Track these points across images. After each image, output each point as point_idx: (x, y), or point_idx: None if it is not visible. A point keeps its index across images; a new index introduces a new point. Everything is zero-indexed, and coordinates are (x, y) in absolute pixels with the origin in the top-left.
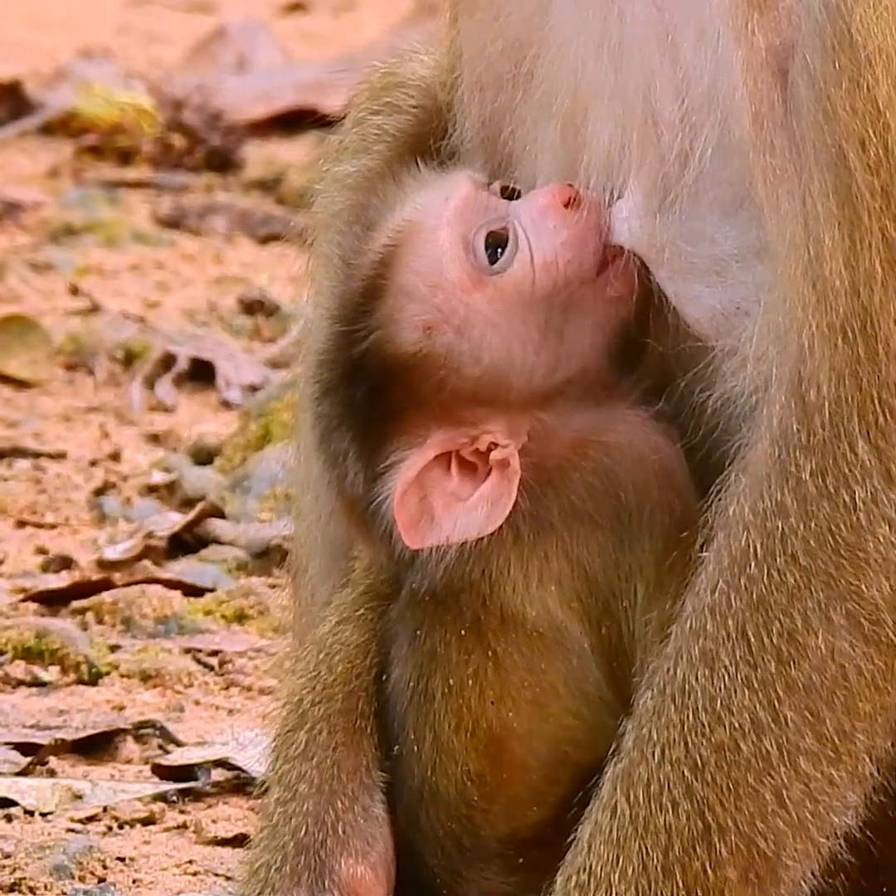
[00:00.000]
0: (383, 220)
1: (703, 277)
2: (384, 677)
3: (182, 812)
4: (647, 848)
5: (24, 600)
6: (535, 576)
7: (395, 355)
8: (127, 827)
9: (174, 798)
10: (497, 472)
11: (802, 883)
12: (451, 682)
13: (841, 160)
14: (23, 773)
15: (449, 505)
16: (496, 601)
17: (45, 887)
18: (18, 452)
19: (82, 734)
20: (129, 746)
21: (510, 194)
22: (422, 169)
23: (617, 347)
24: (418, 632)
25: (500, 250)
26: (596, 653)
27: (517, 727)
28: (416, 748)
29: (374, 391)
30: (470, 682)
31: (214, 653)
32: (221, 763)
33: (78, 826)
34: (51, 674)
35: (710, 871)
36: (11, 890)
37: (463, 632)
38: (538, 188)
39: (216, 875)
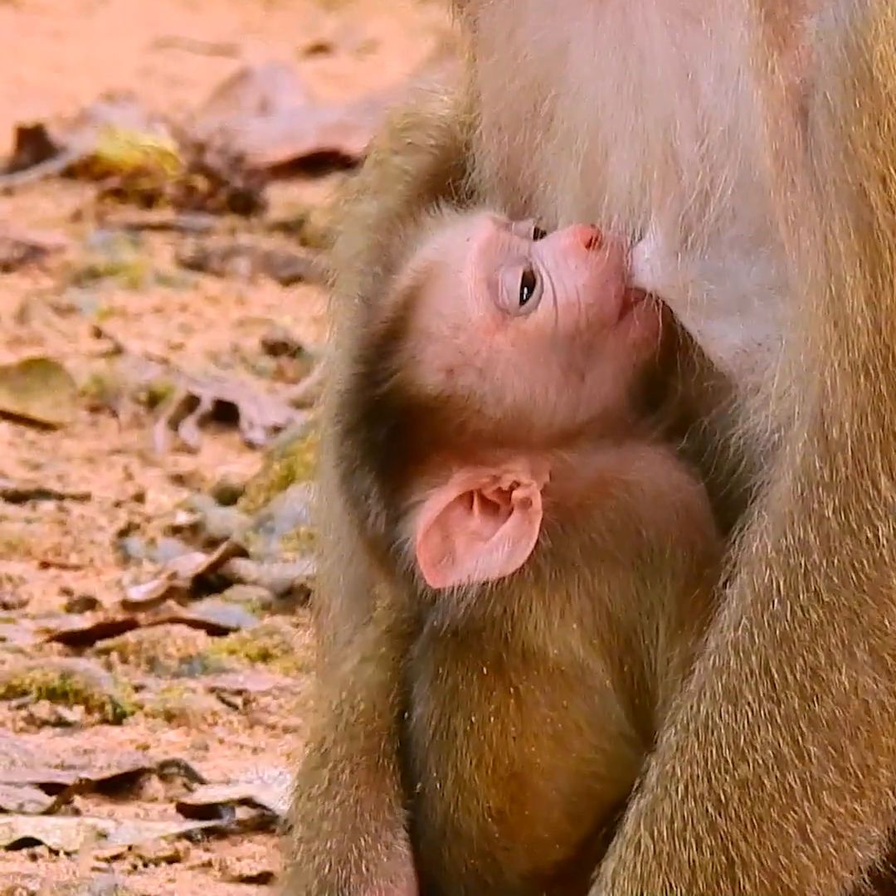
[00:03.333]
0: (404, 262)
1: (725, 315)
2: (406, 715)
3: (207, 850)
4: (671, 884)
5: (48, 641)
6: (556, 614)
7: (416, 397)
8: (152, 865)
9: (199, 836)
10: (519, 512)
11: None
12: (472, 719)
13: (862, 198)
14: (48, 812)
15: (471, 544)
16: (518, 639)
17: None
18: (43, 494)
19: (107, 773)
20: (154, 785)
21: (532, 234)
22: (442, 209)
23: (639, 387)
24: (440, 670)
25: (523, 291)
26: (618, 690)
27: (539, 763)
28: (438, 786)
29: (396, 432)
30: (492, 719)
31: (239, 692)
32: (246, 801)
33: (103, 865)
34: (75, 714)
35: None
36: None
37: (484, 670)
38: (559, 229)
39: None
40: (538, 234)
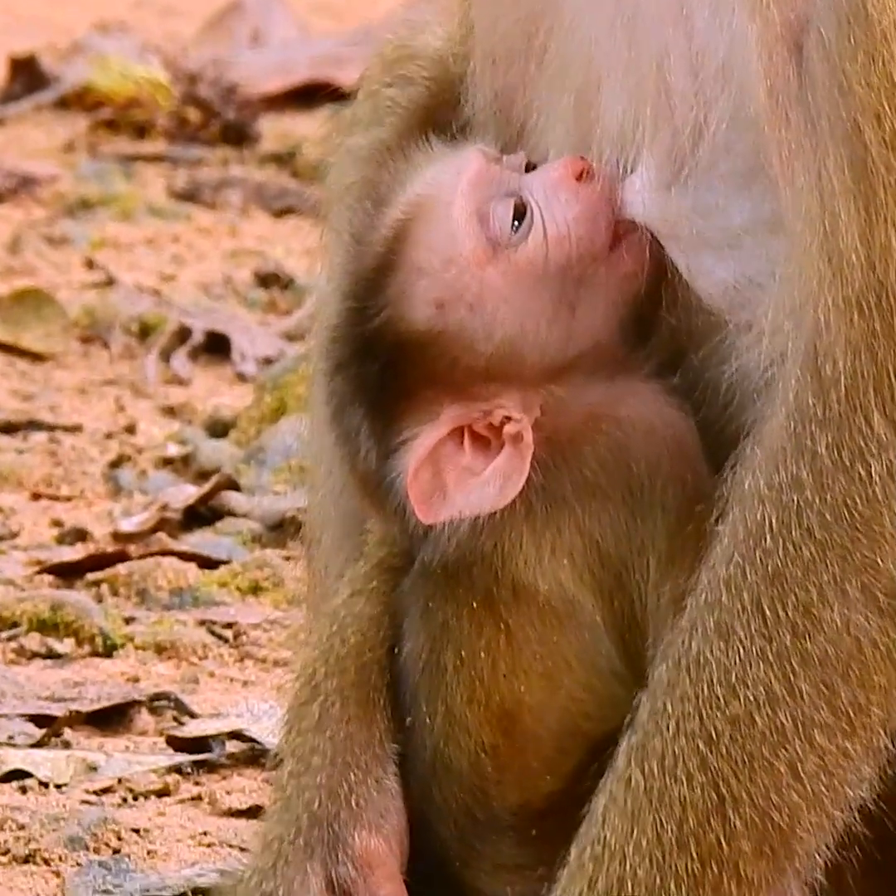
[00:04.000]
0: (395, 196)
1: (715, 251)
2: (396, 650)
3: (196, 784)
4: (661, 820)
5: (39, 573)
6: (547, 549)
7: (407, 332)
8: (141, 798)
9: (188, 770)
10: (510, 447)
11: (817, 856)
12: (462, 654)
13: (856, 134)
14: (38, 744)
15: (462, 480)
16: (508, 574)
17: (60, 858)
18: (34, 425)
19: (97, 706)
20: (144, 718)
21: (523, 167)
22: (434, 142)
23: (630, 321)
24: (430, 604)
25: (514, 224)
26: (608, 626)
27: (529, 700)
28: (428, 720)
29: (387, 368)
30: (482, 654)
31: (229, 625)
32: (236, 735)
33: (92, 798)
34: (66, 646)
35: (724, 844)
36: (26, 861)
37: (475, 605)
38: (550, 161)
39: (230, 846)
40: (529, 167)
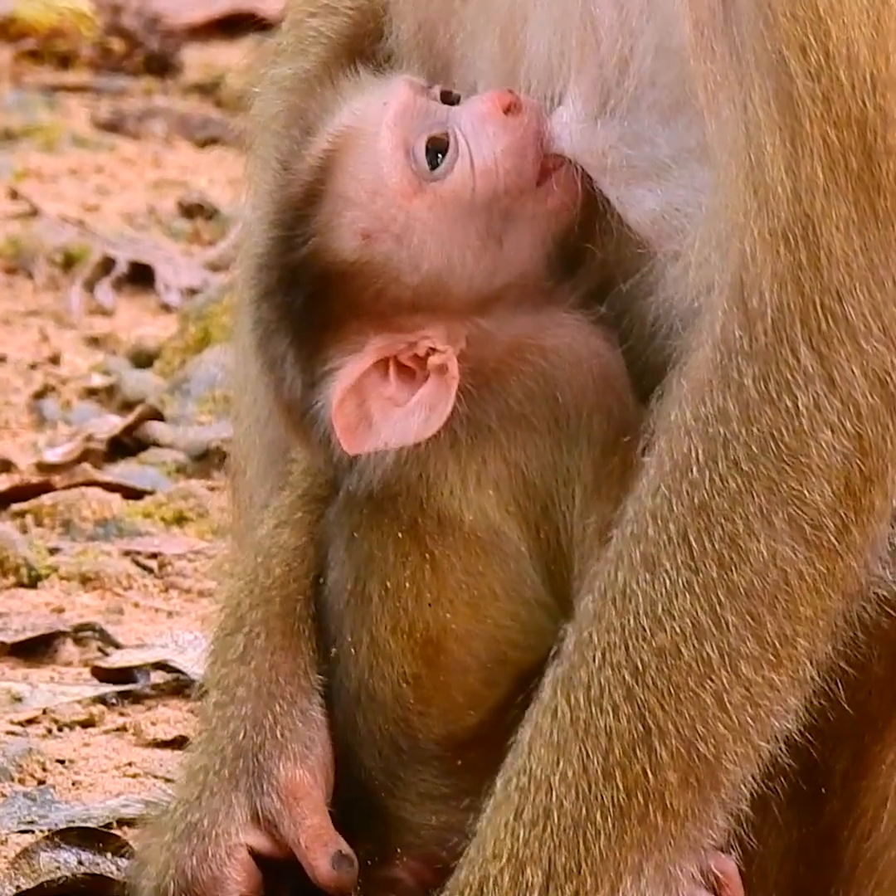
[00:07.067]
0: (321, 125)
1: (643, 181)
2: (321, 580)
3: (121, 714)
4: (587, 751)
5: None
6: (472, 479)
7: (333, 263)
8: (66, 729)
9: (113, 700)
10: (435, 378)
11: (743, 786)
12: (387, 584)
13: (781, 66)
14: None
15: (387, 410)
16: (433, 504)
17: None
18: None
19: (21, 637)
20: (69, 649)
21: (450, 99)
22: (360, 72)
23: (557, 253)
24: (355, 534)
25: (440, 156)
26: (534, 556)
27: (454, 629)
28: (353, 651)
29: (312, 298)
30: (407, 584)
31: (154, 555)
32: (161, 665)
33: (17, 728)
34: None
35: (650, 774)
36: None
37: (400, 534)
38: (477, 94)
39: (155, 777)
40: (455, 100)
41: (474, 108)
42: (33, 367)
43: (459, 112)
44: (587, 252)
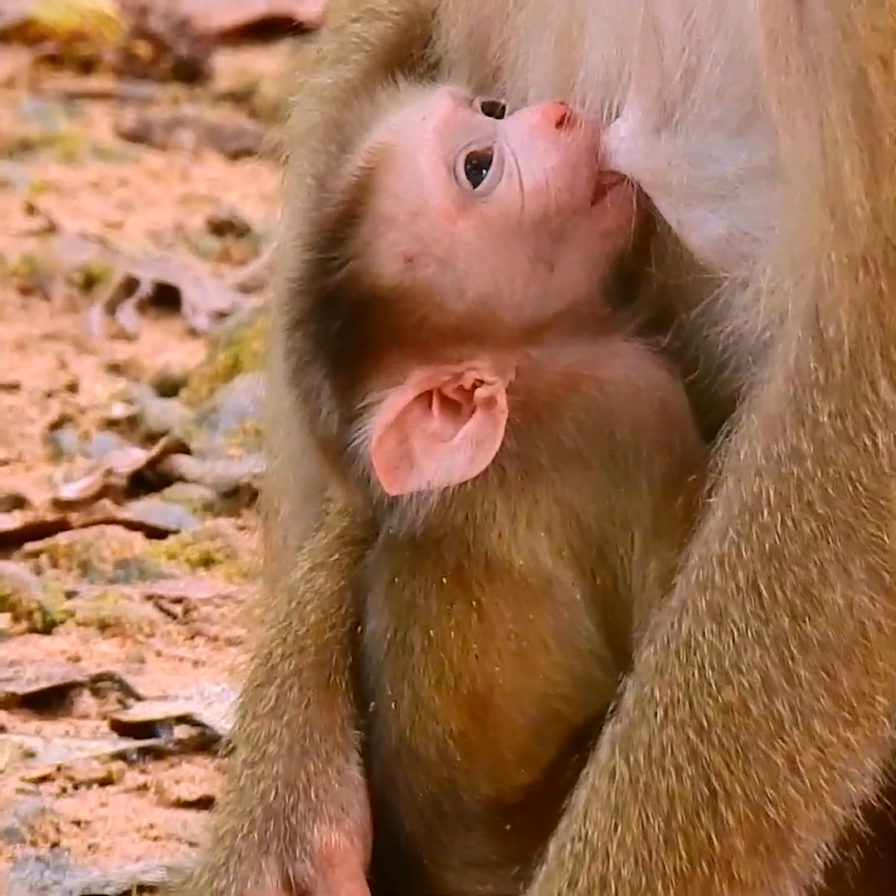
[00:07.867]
0: (358, 141)
1: (706, 202)
2: (359, 629)
3: (142, 772)
4: (647, 815)
5: None
6: (522, 521)
7: (372, 288)
8: (83, 787)
9: (134, 757)
10: (482, 411)
11: (815, 855)
12: (431, 634)
13: (861, 81)
14: None
15: (430, 447)
16: (481, 548)
17: None
18: None
19: (35, 687)
20: (86, 700)
21: (496, 112)
22: (401, 83)
23: (613, 278)
24: (396, 580)
25: (484, 171)
26: (589, 604)
27: (502, 683)
28: (393, 705)
29: (350, 325)
30: (452, 634)
31: (178, 600)
32: (185, 719)
33: (30, 786)
34: (2, 621)
35: (715, 841)
36: None
37: (444, 580)
38: (528, 106)
39: (178, 840)
40: (505, 112)
41: (523, 121)
42: (49, 395)
43: (507, 126)
44: (647, 278)
